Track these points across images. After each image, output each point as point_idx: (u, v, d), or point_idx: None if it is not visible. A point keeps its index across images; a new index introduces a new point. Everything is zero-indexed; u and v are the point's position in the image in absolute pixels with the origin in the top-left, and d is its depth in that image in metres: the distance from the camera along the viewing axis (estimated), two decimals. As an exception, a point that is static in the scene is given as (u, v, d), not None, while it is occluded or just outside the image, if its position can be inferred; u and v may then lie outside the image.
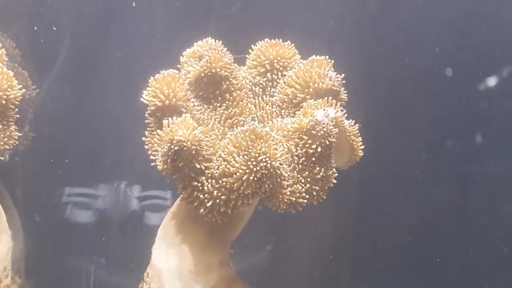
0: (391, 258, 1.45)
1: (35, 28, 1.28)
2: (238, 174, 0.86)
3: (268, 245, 1.42)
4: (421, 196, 1.43)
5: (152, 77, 0.95)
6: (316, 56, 1.01)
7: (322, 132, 0.89)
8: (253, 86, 1.04)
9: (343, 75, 1.01)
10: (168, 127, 0.89)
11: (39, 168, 1.32)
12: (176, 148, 0.87)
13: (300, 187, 0.90)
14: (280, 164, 0.87)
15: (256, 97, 1.04)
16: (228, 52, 1.03)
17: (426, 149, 1.41)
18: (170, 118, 0.91)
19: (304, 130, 0.91)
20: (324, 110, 0.91)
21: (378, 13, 1.35)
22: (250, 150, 0.85)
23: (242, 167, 0.86)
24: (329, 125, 0.90)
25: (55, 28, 1.28)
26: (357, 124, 0.98)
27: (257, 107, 1.03)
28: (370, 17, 1.35)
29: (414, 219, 1.43)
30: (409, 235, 1.43)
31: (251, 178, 0.85)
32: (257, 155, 0.85)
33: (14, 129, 1.00)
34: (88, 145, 1.38)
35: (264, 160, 0.85)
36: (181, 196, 0.92)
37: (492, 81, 1.37)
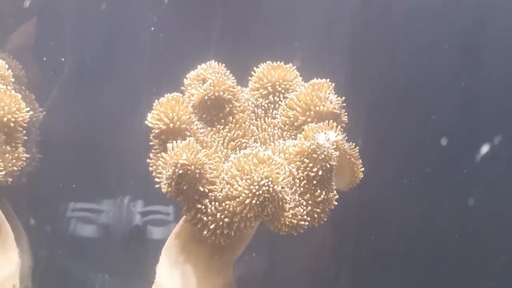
0: (391, 261, 1.46)
1: (44, 58, 1.30)
2: (241, 197, 0.87)
3: (268, 248, 1.43)
4: (422, 201, 1.43)
5: (156, 100, 0.97)
6: (317, 79, 1.03)
7: (323, 156, 0.91)
8: (255, 108, 1.06)
9: (343, 97, 1.02)
10: (173, 150, 0.91)
11: (44, 184, 1.34)
12: (180, 171, 0.89)
13: (302, 210, 0.92)
14: (282, 188, 0.88)
15: (258, 119, 1.05)
16: (231, 74, 1.05)
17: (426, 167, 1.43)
18: (174, 141, 0.92)
19: (306, 153, 0.92)
20: (325, 133, 0.92)
21: (380, 32, 1.36)
22: (253, 174, 0.87)
23: (245, 190, 0.87)
24: (330, 149, 0.91)
25: (63, 59, 1.30)
26: (357, 147, 1.00)
27: (259, 129, 1.05)
28: (372, 37, 1.36)
29: (415, 225, 1.43)
30: (408, 240, 1.44)
31: (254, 201, 0.86)
32: (259, 179, 0.86)
33: (22, 151, 1.02)
34: (92, 161, 1.40)
35: (266, 184, 0.86)
36: (185, 217, 0.94)
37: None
